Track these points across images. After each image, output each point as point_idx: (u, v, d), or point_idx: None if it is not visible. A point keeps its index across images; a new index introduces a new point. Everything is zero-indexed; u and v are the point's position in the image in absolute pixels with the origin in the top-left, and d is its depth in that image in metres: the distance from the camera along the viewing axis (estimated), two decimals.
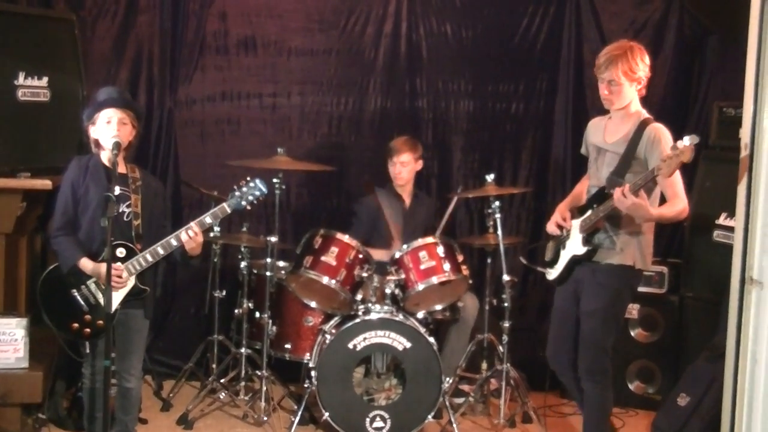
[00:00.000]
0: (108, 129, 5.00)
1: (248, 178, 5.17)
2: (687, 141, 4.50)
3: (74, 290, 4.98)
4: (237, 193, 5.12)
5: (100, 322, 4.95)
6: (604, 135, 5.25)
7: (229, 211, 5.09)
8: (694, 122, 7.30)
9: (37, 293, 5.04)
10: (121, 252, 4.95)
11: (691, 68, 7.44)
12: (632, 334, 6.83)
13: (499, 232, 6.19)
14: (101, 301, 4.92)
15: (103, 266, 4.72)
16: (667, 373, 6.75)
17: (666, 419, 5.99)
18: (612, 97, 5.06)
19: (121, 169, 5.08)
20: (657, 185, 4.98)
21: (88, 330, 4.99)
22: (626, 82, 5.03)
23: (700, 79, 7.40)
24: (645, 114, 5.14)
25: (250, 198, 5.11)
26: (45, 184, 5.72)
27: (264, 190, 5.17)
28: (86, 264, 4.93)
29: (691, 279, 6.69)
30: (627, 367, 6.85)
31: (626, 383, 6.85)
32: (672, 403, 5.99)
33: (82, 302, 4.98)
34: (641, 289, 6.69)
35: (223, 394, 6.55)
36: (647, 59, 5.09)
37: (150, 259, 5.00)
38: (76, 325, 4.98)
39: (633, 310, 6.77)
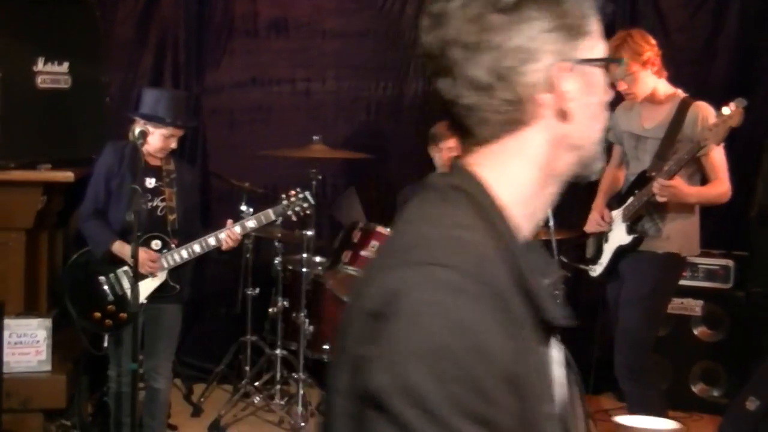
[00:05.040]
0: (161, 141, 5.06)
1: (298, 190, 5.44)
2: (733, 105, 4.51)
3: (102, 277, 5.03)
4: (285, 203, 5.39)
5: (123, 314, 5.00)
6: (640, 122, 5.22)
7: (273, 218, 5.32)
8: (759, 104, 7.17)
9: (62, 275, 5.10)
10: (156, 244, 5.03)
11: (756, 46, 7.31)
12: (695, 332, 6.73)
13: (551, 223, 6.10)
14: (128, 292, 4.94)
15: (139, 251, 4.76)
16: (733, 374, 6.64)
17: (733, 425, 5.89)
18: (632, 89, 5.04)
19: (156, 160, 5.11)
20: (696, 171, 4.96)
21: (109, 321, 5.04)
22: (639, 68, 5.00)
23: (766, 58, 7.28)
24: (682, 93, 5.12)
25: (297, 209, 5.36)
26: (66, 176, 5.70)
27: (312, 202, 5.47)
28: (120, 248, 4.97)
29: (758, 273, 6.59)
30: (690, 368, 6.75)
31: (689, 385, 6.75)
32: (739, 407, 5.89)
33: (108, 291, 5.03)
34: (704, 284, 6.64)
35: (257, 398, 6.53)
36: (651, 39, 5.06)
37: (185, 255, 5.08)
38: (98, 314, 5.04)
39: (696, 306, 6.68)
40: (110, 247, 5.02)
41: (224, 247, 5.19)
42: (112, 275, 5.09)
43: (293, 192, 5.44)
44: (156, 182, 5.13)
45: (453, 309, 1.21)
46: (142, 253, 4.87)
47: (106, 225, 5.07)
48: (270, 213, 5.34)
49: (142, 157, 5.00)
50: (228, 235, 5.18)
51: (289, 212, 5.43)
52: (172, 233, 5.15)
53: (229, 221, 5.29)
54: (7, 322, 5.35)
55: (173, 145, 5.18)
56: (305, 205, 5.45)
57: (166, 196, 5.14)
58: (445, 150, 6.58)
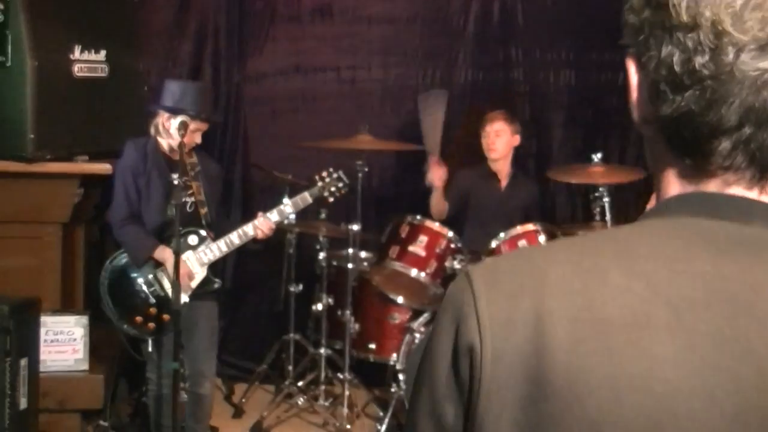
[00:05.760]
0: (186, 135, 5.02)
1: (331, 169, 5.42)
2: None
3: (141, 280, 5.00)
4: (320, 184, 5.38)
5: (166, 316, 4.95)
6: None
7: (310, 200, 5.32)
8: None
9: (99, 282, 5.07)
10: (193, 240, 4.99)
11: None
12: None
13: (608, 218, 6.00)
14: (169, 292, 4.90)
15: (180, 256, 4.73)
16: None
17: None
18: None
19: (177, 155, 5.07)
20: None
21: (152, 324, 5.00)
22: None
23: None
24: None
25: (333, 189, 5.35)
26: (104, 168, 5.65)
27: (346, 181, 5.48)
28: (162, 254, 4.93)
29: None
30: None
31: None
32: None
33: (149, 293, 4.99)
34: None
35: (300, 399, 6.49)
36: None
37: (225, 248, 5.06)
38: (139, 318, 4.99)
39: None
40: (151, 253, 4.97)
41: (259, 235, 5.13)
42: (151, 276, 5.04)
43: (326, 172, 5.44)
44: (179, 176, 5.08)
45: None
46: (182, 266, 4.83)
47: (144, 231, 5.03)
48: (306, 195, 5.33)
49: (184, 150, 4.95)
50: (261, 223, 5.12)
51: (326, 193, 5.42)
52: (207, 226, 5.12)
53: (259, 213, 5.24)
54: (43, 319, 5.31)
55: (197, 140, 5.13)
56: (340, 184, 5.46)
57: (193, 190, 5.11)
58: (492, 133, 6.48)
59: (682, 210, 1.14)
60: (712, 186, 1.13)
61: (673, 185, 1.17)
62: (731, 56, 1.06)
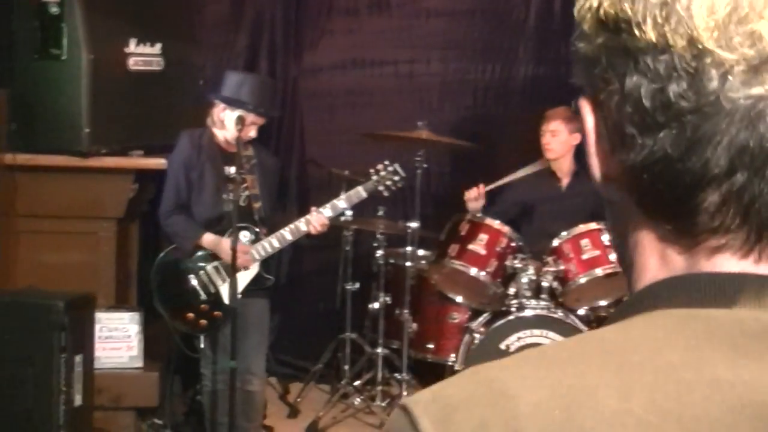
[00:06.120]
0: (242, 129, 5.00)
1: (386, 162, 5.34)
2: None
3: (192, 276, 4.99)
4: (375, 177, 5.32)
5: (218, 313, 4.95)
6: None
7: (364, 195, 5.24)
8: None
9: (150, 278, 5.07)
10: (245, 236, 4.97)
11: None
12: None
13: None
14: (221, 289, 4.89)
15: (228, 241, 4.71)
16: None
17: None
18: None
19: (233, 147, 5.05)
20: None
21: (203, 321, 5.00)
22: None
23: None
24: None
25: (388, 183, 5.28)
26: (159, 163, 5.64)
27: (402, 174, 5.39)
28: (209, 240, 4.91)
29: None
30: None
31: None
32: None
33: (200, 290, 4.98)
34: None
35: (357, 399, 6.44)
36: None
37: (277, 244, 5.02)
38: (191, 315, 4.99)
39: None
40: (199, 241, 4.96)
41: (312, 231, 5.10)
42: (202, 273, 5.03)
43: (381, 165, 5.38)
44: (237, 170, 5.06)
45: None
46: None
47: (192, 219, 5.03)
48: (360, 190, 5.27)
49: (241, 144, 4.93)
50: (315, 218, 5.09)
51: (381, 188, 5.36)
52: (260, 222, 5.09)
53: (313, 208, 5.23)
54: (98, 315, 5.31)
55: (253, 133, 5.09)
56: (396, 178, 5.38)
57: (248, 183, 5.08)
58: (548, 132, 6.38)
59: (674, 299, 0.87)
60: (702, 257, 0.88)
61: (650, 262, 0.92)
62: (715, 81, 0.83)
